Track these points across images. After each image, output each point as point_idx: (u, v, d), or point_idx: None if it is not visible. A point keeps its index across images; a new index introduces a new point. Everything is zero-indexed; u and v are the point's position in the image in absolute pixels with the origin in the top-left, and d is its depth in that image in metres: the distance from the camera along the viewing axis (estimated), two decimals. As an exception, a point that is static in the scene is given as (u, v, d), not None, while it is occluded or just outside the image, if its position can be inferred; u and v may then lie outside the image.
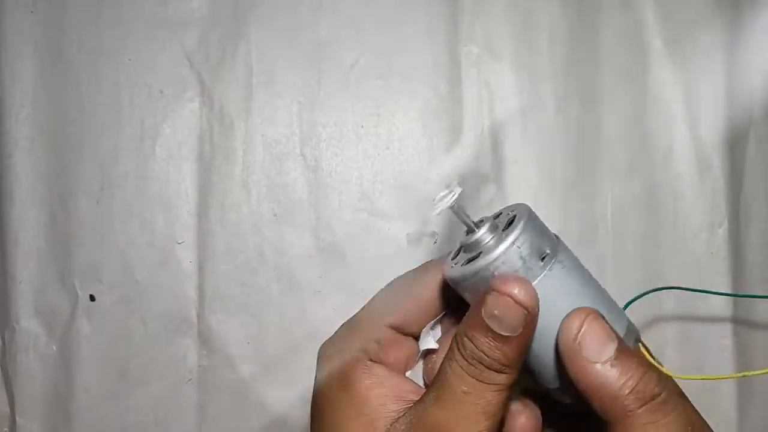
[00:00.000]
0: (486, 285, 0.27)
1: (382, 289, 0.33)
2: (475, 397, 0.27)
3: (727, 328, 0.46)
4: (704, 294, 0.45)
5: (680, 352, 0.46)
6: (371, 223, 0.45)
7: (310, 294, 0.45)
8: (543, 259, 0.27)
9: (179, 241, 0.45)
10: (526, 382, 0.29)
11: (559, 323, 0.27)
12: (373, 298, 0.33)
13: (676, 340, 0.46)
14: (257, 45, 0.45)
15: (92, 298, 0.45)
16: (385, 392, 0.29)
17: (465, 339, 0.27)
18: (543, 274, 0.27)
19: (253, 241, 0.45)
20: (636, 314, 0.31)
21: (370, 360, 0.30)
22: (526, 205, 0.29)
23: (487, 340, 0.26)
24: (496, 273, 0.27)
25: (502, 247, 0.27)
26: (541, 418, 0.31)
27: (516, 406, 0.31)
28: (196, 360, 0.45)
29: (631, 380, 0.26)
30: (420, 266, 0.33)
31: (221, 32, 0.45)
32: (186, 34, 0.45)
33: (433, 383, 0.28)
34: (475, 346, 0.26)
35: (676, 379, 0.28)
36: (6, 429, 0.45)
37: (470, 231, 0.29)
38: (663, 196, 0.46)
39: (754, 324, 0.45)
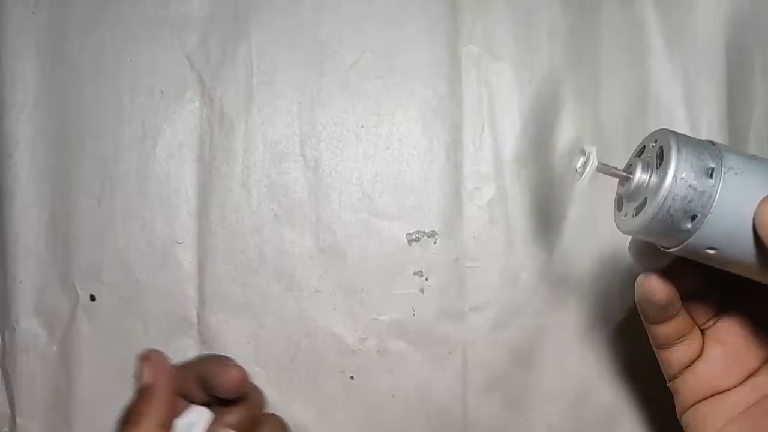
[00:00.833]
0: (665, 227, 0.27)
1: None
2: None
3: None
4: None
5: None
6: (371, 223, 0.45)
7: (310, 294, 0.45)
8: (711, 175, 0.27)
9: (179, 242, 0.45)
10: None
11: (752, 220, 0.26)
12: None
13: None
14: (258, 45, 0.45)
15: (92, 298, 0.45)
16: None
17: None
18: (718, 190, 0.26)
19: (253, 242, 0.45)
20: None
21: None
22: (666, 130, 0.28)
23: None
24: (671, 212, 0.26)
25: (666, 186, 0.26)
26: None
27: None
28: (196, 360, 0.45)
29: None
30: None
31: (222, 33, 0.46)
32: (186, 35, 0.45)
33: None
34: None
35: None
36: (6, 429, 0.45)
37: (624, 179, 0.28)
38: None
39: None
